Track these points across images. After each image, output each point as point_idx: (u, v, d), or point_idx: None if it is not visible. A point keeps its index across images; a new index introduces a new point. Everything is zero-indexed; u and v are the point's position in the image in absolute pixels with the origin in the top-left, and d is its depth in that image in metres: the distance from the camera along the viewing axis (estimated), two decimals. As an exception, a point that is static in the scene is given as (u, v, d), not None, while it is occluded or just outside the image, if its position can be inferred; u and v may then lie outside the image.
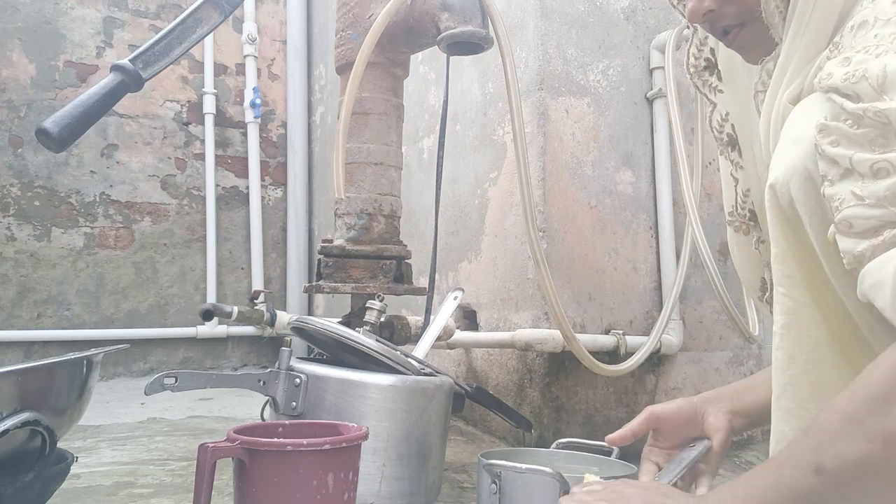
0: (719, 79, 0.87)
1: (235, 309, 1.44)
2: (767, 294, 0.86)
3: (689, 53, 0.89)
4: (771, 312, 0.88)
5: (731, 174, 0.88)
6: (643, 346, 1.56)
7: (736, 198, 0.87)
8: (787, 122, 0.62)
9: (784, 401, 0.64)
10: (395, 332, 1.40)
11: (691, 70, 0.89)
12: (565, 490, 0.84)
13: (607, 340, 1.59)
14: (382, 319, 1.24)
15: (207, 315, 1.40)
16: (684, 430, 0.88)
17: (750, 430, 1.03)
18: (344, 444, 0.82)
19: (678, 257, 1.65)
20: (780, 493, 0.55)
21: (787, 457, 0.56)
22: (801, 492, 0.54)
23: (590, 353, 1.43)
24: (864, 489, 0.51)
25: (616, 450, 1.09)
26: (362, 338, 1.07)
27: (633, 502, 0.66)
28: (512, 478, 0.89)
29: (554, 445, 1.14)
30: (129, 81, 1.28)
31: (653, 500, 0.66)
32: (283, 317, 1.54)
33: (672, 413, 0.89)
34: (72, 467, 0.97)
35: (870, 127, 0.52)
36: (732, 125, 0.86)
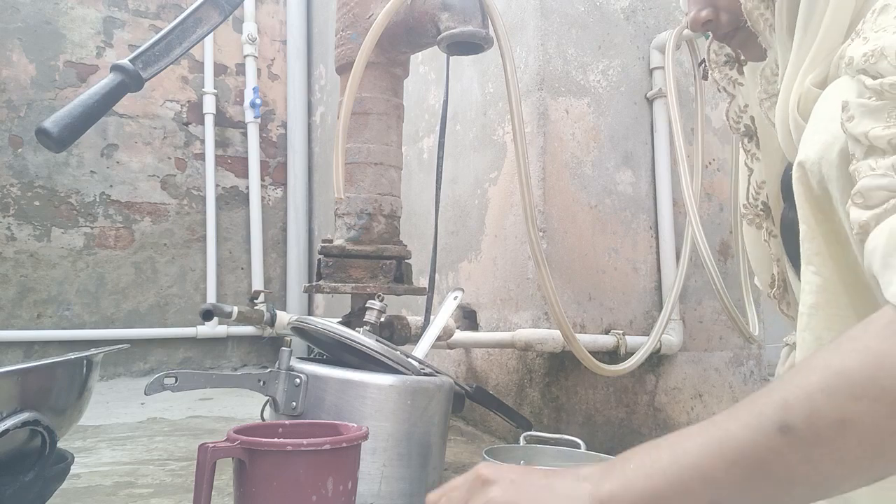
0: (740, 72, 0.89)
1: (235, 309, 1.43)
2: (776, 289, 0.87)
3: (709, 49, 0.93)
4: (779, 307, 0.89)
5: (746, 164, 0.89)
6: (643, 346, 1.56)
7: (749, 188, 0.88)
8: (817, 103, 0.63)
9: None
10: (395, 332, 1.40)
11: (712, 65, 0.93)
12: None
13: (607, 340, 1.59)
14: (382, 319, 1.23)
15: (207, 315, 1.40)
16: None
17: None
18: (344, 444, 0.82)
19: (678, 257, 1.65)
20: (724, 455, 0.46)
21: (736, 415, 0.48)
22: (755, 454, 0.46)
23: (590, 353, 1.43)
24: (839, 454, 0.44)
25: (582, 443, 1.09)
26: (362, 338, 1.07)
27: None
28: None
29: (522, 439, 1.14)
30: (129, 81, 1.28)
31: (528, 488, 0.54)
32: (283, 317, 1.54)
33: None
34: (72, 467, 0.97)
35: (888, 100, 0.53)
36: (752, 117, 0.88)
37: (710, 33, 0.89)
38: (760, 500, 0.47)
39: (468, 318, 1.85)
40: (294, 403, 1.01)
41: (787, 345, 0.91)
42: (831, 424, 0.44)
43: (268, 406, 1.08)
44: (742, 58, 0.89)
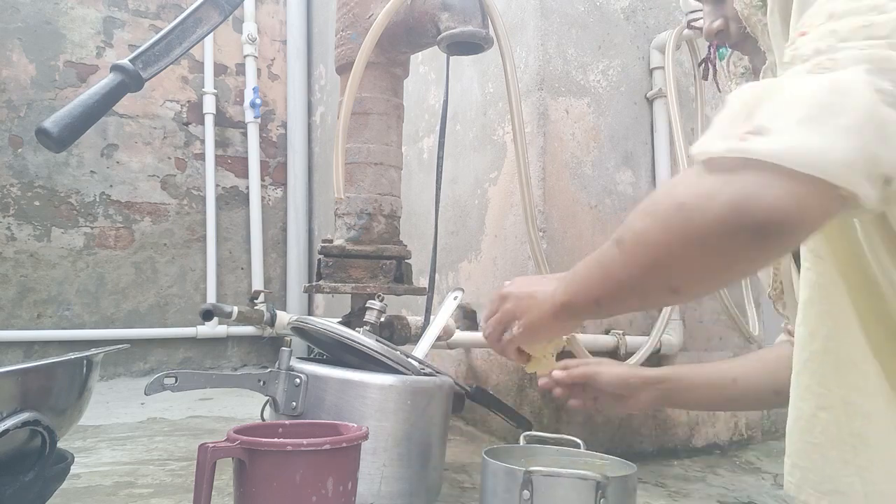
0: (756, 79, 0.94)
1: (235, 309, 1.43)
2: (771, 289, 0.91)
3: (729, 61, 1.02)
4: (775, 307, 0.93)
5: None
6: (643, 346, 1.56)
7: None
8: None
9: (803, 378, 0.62)
10: (395, 332, 1.40)
11: (731, 76, 1.01)
12: (602, 492, 0.83)
13: (607, 340, 1.59)
14: (382, 319, 1.24)
15: (207, 315, 1.40)
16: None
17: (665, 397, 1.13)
18: (344, 444, 0.82)
19: (678, 257, 1.65)
20: (595, 265, 0.67)
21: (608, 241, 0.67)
22: (606, 263, 0.64)
23: (590, 352, 1.43)
24: (638, 262, 0.59)
25: (582, 443, 1.10)
26: (362, 338, 1.07)
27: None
28: (549, 483, 0.86)
29: (522, 438, 1.14)
30: (129, 81, 1.28)
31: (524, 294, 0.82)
32: (283, 317, 1.54)
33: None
34: (72, 467, 0.97)
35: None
36: None
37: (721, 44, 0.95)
38: (615, 302, 0.67)
39: (468, 318, 1.85)
40: (294, 403, 1.01)
41: (786, 330, 0.99)
42: (634, 236, 0.60)
43: (268, 406, 1.08)
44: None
